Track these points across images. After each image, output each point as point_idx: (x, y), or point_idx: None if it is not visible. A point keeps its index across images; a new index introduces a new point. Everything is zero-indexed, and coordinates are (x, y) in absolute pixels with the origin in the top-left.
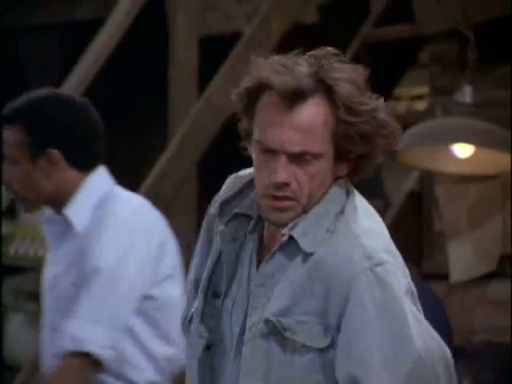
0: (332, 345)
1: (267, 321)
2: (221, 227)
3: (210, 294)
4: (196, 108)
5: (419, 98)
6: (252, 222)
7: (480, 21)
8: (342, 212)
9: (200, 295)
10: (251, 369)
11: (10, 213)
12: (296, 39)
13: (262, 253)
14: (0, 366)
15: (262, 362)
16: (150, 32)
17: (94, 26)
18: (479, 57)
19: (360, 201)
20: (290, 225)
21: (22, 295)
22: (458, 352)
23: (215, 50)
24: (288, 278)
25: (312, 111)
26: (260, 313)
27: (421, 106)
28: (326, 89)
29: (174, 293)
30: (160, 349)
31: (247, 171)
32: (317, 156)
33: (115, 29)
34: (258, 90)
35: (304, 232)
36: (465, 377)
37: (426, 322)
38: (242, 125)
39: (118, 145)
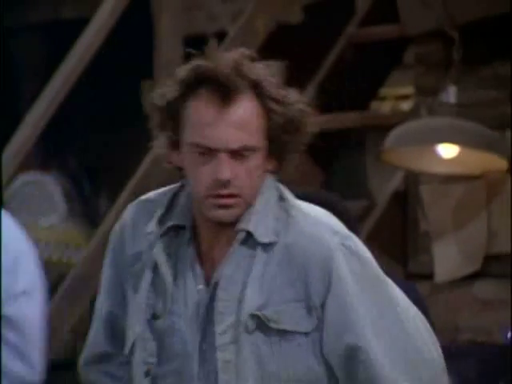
0: (317, 326)
1: (253, 316)
2: (156, 247)
3: (149, 317)
4: None
5: (404, 98)
6: (187, 232)
7: (464, 21)
8: (281, 199)
9: (135, 322)
10: (240, 370)
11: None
12: (281, 39)
13: (204, 260)
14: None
15: (250, 360)
16: (134, 31)
17: (79, 26)
18: (464, 57)
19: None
20: (242, 221)
21: None
22: (442, 351)
23: (200, 50)
24: (256, 274)
25: (246, 106)
26: (233, 316)
27: (406, 106)
28: (252, 85)
29: (31, 312)
30: (15, 368)
31: (150, 194)
32: (254, 150)
33: (100, 28)
34: (187, 94)
35: (256, 225)
36: (449, 376)
37: (391, 282)
38: (163, 137)
39: (102, 145)
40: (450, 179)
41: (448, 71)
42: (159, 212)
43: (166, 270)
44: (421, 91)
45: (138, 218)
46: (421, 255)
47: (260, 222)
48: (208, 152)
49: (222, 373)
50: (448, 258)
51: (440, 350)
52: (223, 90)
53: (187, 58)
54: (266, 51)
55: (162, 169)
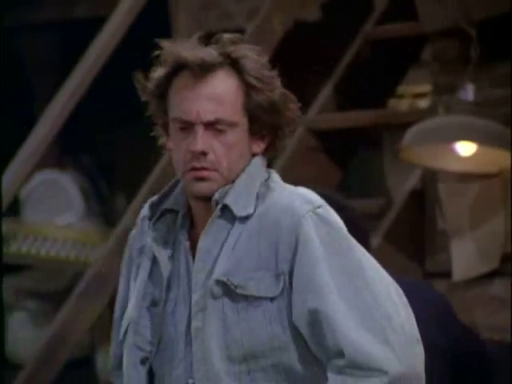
0: (283, 292)
1: (217, 281)
2: (151, 234)
3: (148, 304)
4: None
5: (422, 95)
6: (179, 217)
7: (481, 18)
8: (267, 180)
9: (133, 307)
10: (205, 338)
11: (13, 211)
12: (298, 37)
13: (195, 246)
14: (1, 364)
15: (215, 325)
16: (151, 30)
17: (92, 25)
18: (481, 54)
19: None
20: (218, 194)
21: (23, 293)
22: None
23: None
24: (228, 245)
25: (222, 81)
26: (204, 283)
27: (423, 103)
28: (233, 62)
29: None
30: None
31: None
32: (231, 125)
33: (117, 27)
34: (171, 74)
35: (235, 199)
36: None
37: (369, 255)
38: (156, 116)
39: (118, 143)
40: (467, 177)
41: (465, 69)
42: (155, 198)
43: (161, 257)
44: (438, 89)
45: (146, 215)
46: (438, 254)
47: (239, 198)
48: (187, 126)
49: (194, 341)
50: (465, 257)
51: (413, 321)
52: (200, 66)
53: None
54: (283, 49)
55: None
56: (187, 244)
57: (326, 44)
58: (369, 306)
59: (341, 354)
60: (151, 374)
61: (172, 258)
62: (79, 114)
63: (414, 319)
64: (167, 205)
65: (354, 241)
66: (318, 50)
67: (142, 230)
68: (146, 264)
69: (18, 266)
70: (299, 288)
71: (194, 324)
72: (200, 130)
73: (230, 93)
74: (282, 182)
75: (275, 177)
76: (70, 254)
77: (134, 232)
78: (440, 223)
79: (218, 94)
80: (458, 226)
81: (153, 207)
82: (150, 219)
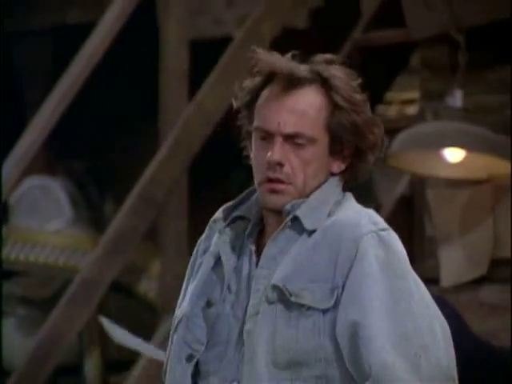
0: (335, 305)
1: (274, 287)
2: (219, 236)
3: (203, 303)
4: (187, 112)
5: (410, 102)
6: (250, 225)
7: (470, 25)
8: (340, 201)
9: (188, 304)
10: (254, 341)
11: (1, 217)
12: (287, 44)
13: (260, 254)
14: None
15: (266, 329)
16: (140, 36)
17: (84, 31)
18: (469, 61)
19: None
20: (291, 205)
21: (12, 299)
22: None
23: (205, 54)
24: (291, 254)
25: (308, 96)
26: (263, 290)
27: (412, 110)
28: (322, 80)
29: None
30: None
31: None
32: (311, 140)
33: (106, 33)
34: (262, 84)
35: (307, 213)
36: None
37: (425, 287)
38: (244, 126)
39: (107, 149)
40: (455, 183)
41: (454, 75)
42: (230, 203)
43: (226, 259)
44: (426, 95)
45: (219, 217)
46: (427, 259)
47: (311, 212)
48: (267, 136)
49: (245, 343)
50: (454, 263)
51: (452, 359)
52: (289, 78)
53: (193, 62)
54: None
55: (168, 174)
56: (253, 249)
57: (315, 50)
58: (408, 332)
59: (370, 374)
60: (195, 372)
61: (236, 262)
62: (69, 119)
63: (453, 357)
64: (240, 211)
65: (409, 268)
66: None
67: (209, 234)
68: (207, 264)
69: (7, 272)
70: (346, 301)
71: (246, 326)
72: (279, 141)
73: (313, 108)
74: (355, 204)
75: (350, 198)
76: (59, 260)
77: (202, 237)
78: (429, 229)
79: (301, 109)
80: (446, 232)
81: (226, 212)
82: (222, 221)
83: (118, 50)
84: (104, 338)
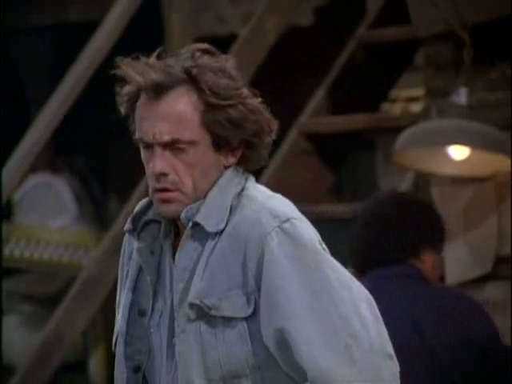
0: (255, 311)
1: (191, 305)
2: (136, 244)
3: (135, 314)
4: None
5: (415, 99)
6: (162, 228)
7: (475, 22)
8: (242, 190)
9: (121, 318)
10: (186, 359)
11: (6, 214)
12: (291, 41)
13: None
14: None
15: (195, 349)
16: (145, 34)
17: (87, 28)
18: (474, 58)
19: (261, 186)
20: (185, 213)
21: (16, 297)
22: None
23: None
24: (203, 262)
25: (177, 100)
26: (184, 303)
27: (416, 107)
28: (190, 78)
29: None
30: None
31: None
32: (190, 144)
33: (111, 31)
34: (135, 93)
35: (206, 216)
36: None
37: (342, 268)
38: (135, 136)
39: (111, 146)
40: (460, 181)
41: (458, 73)
42: (137, 209)
43: (148, 268)
44: (431, 93)
45: (128, 228)
46: None
47: (211, 213)
48: (149, 146)
49: (178, 363)
50: (458, 260)
51: (384, 337)
52: (153, 88)
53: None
54: (276, 53)
55: None
56: (170, 255)
57: (319, 48)
58: (334, 325)
59: (307, 378)
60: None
61: (159, 266)
62: (73, 116)
63: (385, 333)
64: (149, 215)
65: (322, 255)
66: (311, 54)
67: (129, 240)
68: (132, 273)
69: (11, 270)
70: (265, 308)
71: (177, 347)
72: (158, 150)
73: (185, 111)
74: (255, 192)
75: (250, 187)
76: (64, 258)
77: (124, 243)
78: None
79: (174, 114)
80: (451, 229)
81: (135, 220)
82: (133, 231)
83: (123, 47)
84: (109, 336)
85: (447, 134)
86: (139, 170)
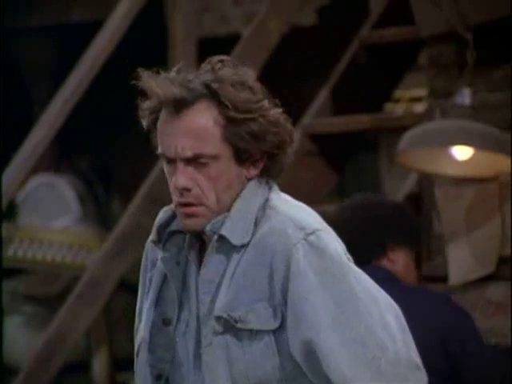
0: (282, 323)
1: (218, 318)
2: (161, 254)
3: (159, 322)
4: None
5: (418, 100)
6: (187, 239)
7: (478, 23)
8: (266, 201)
9: (144, 327)
10: (213, 372)
11: (9, 215)
12: (294, 41)
13: None
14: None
15: (222, 361)
16: (148, 34)
17: (89, 29)
18: (477, 59)
19: (284, 195)
20: (211, 226)
21: (19, 297)
22: None
23: (213, 52)
24: (229, 275)
25: (198, 116)
26: (210, 315)
27: (419, 108)
28: (211, 93)
29: None
30: None
31: None
32: (213, 158)
33: (114, 31)
34: (156, 107)
35: (231, 229)
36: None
37: (368, 278)
38: (158, 150)
39: (114, 147)
40: (462, 181)
41: (462, 73)
42: (161, 219)
43: (173, 278)
44: (434, 93)
45: (153, 239)
46: (435, 258)
47: (236, 226)
48: (171, 161)
49: (205, 375)
50: (462, 261)
51: (411, 346)
52: (174, 103)
53: (201, 60)
54: (279, 53)
55: None
56: (196, 266)
57: (322, 48)
58: (361, 337)
59: None
60: None
61: (184, 277)
62: (76, 117)
63: (412, 344)
64: (173, 226)
65: (347, 266)
66: (313, 55)
67: (150, 249)
68: (156, 282)
69: (14, 270)
70: (293, 320)
71: (204, 358)
72: (181, 165)
73: (207, 126)
74: (280, 203)
75: (274, 197)
76: (67, 258)
77: (146, 249)
78: (436, 227)
79: (195, 129)
80: (454, 229)
81: (160, 230)
82: (157, 242)
83: (125, 47)
84: (111, 336)
85: (450, 134)
86: (142, 171)
